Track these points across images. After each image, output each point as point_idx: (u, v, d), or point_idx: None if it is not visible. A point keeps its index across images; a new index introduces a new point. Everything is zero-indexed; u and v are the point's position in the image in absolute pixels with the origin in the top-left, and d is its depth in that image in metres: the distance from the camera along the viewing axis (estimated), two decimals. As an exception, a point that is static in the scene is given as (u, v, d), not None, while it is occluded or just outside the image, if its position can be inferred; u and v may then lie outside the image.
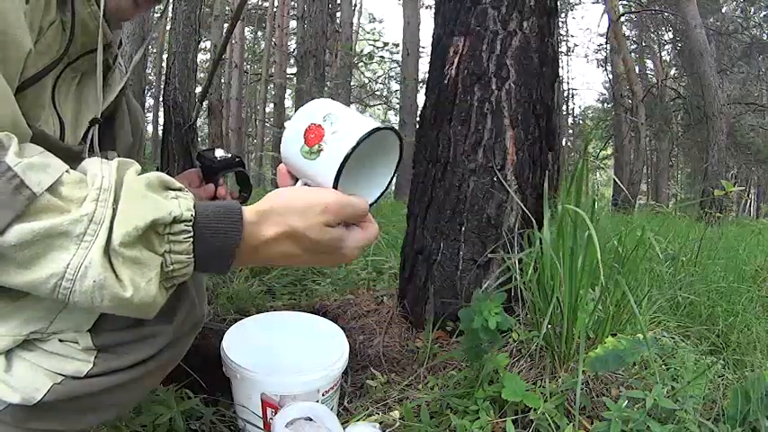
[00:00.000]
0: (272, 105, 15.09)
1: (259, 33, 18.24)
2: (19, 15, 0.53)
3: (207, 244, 0.52)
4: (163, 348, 0.59)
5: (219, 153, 0.96)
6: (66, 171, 0.49)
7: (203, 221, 0.51)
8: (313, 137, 0.58)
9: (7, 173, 0.46)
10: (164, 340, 0.58)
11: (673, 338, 1.28)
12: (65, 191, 0.48)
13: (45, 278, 0.46)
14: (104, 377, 0.57)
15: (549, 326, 1.10)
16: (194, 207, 0.52)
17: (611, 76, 14.49)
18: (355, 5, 16.59)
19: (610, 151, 15.53)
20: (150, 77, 13.58)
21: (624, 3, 12.83)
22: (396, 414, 1.01)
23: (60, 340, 0.57)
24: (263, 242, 0.54)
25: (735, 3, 13.00)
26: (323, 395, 0.93)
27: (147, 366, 0.59)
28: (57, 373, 0.56)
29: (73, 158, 0.55)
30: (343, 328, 1.08)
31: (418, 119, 1.54)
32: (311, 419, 0.85)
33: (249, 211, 0.54)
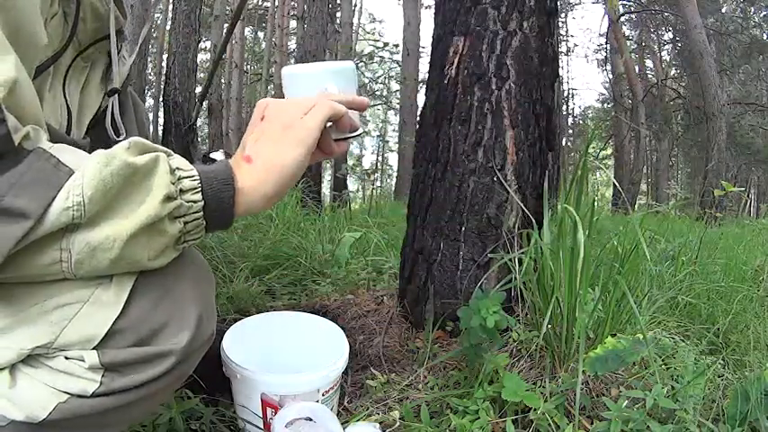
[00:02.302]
0: (272, 105, 15.03)
1: (259, 33, 18.24)
2: (34, 10, 0.53)
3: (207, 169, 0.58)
4: (172, 368, 0.57)
5: (218, 156, 0.96)
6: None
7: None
8: None
9: (44, 154, 0.49)
10: (173, 360, 0.57)
11: (673, 338, 1.28)
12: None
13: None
14: (111, 397, 0.56)
15: (549, 326, 1.10)
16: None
17: (611, 77, 14.49)
18: (355, 5, 16.58)
19: (610, 151, 15.53)
20: (150, 77, 13.58)
21: (624, 3, 12.83)
22: (396, 414, 1.01)
23: (66, 357, 0.55)
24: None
25: (735, 3, 12.99)
26: (323, 395, 0.93)
27: (155, 386, 0.57)
28: (62, 391, 0.55)
29: None
30: (343, 328, 1.08)
31: (418, 119, 1.54)
32: (311, 419, 0.85)
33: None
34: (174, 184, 0.54)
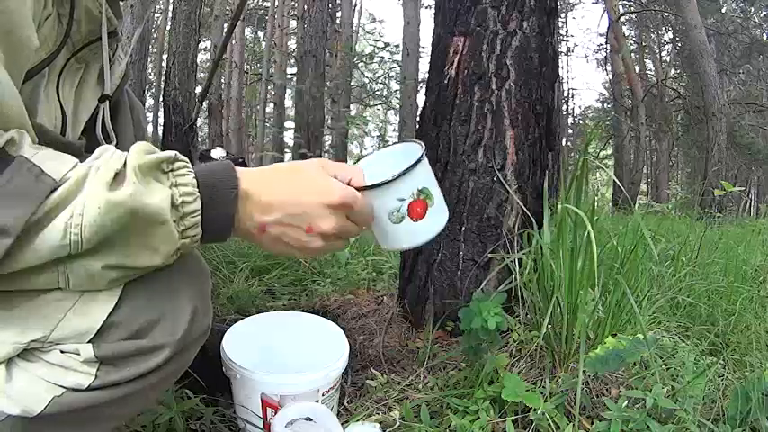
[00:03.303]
0: (272, 105, 15.11)
1: (259, 33, 18.25)
2: (26, 13, 0.53)
3: (207, 178, 0.57)
4: (166, 361, 0.57)
5: (217, 153, 0.96)
6: (77, 164, 0.51)
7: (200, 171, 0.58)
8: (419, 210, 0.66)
9: (26, 163, 0.48)
10: (167, 353, 0.57)
11: (673, 338, 1.28)
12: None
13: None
14: (106, 390, 0.56)
15: (549, 326, 1.10)
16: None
17: (611, 76, 14.49)
18: (355, 5, 16.59)
19: (610, 151, 15.53)
20: (150, 77, 13.58)
21: (624, 3, 12.84)
22: (396, 414, 1.01)
23: (62, 351, 0.55)
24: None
25: (735, 3, 13.00)
26: (323, 395, 0.93)
27: (150, 379, 0.58)
28: (58, 385, 0.55)
29: (75, 154, 0.55)
30: (343, 328, 1.08)
31: (418, 119, 1.54)
32: (311, 419, 0.85)
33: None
34: (176, 222, 0.54)
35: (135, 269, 0.55)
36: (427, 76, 1.52)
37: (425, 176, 0.67)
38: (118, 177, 0.51)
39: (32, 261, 0.49)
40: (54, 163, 0.50)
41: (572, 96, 19.57)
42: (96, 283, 0.54)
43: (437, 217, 0.68)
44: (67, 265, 0.51)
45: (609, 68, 14.64)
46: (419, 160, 0.65)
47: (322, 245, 0.63)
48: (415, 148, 0.69)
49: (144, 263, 0.54)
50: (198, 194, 0.55)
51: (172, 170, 0.55)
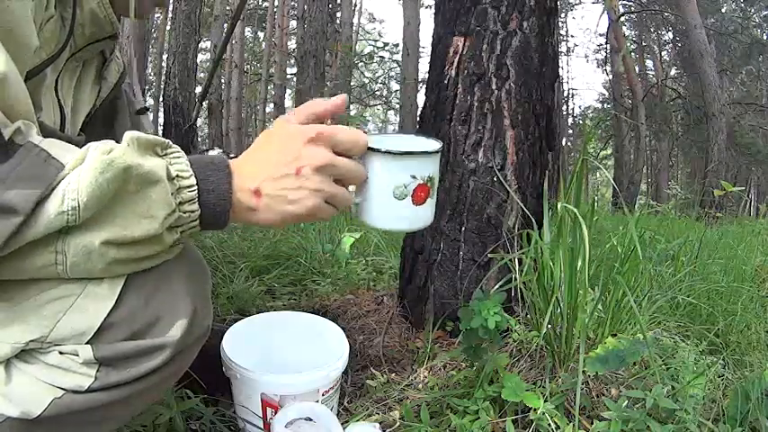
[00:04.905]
0: (272, 105, 15.12)
1: (259, 33, 18.25)
2: (26, 13, 0.53)
3: (199, 162, 0.58)
4: (166, 362, 0.57)
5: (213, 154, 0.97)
6: (79, 151, 0.52)
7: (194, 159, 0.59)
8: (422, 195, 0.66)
9: (34, 149, 0.50)
10: (167, 354, 0.57)
11: (673, 338, 1.28)
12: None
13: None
14: (106, 392, 0.56)
15: (549, 326, 1.10)
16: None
17: (611, 77, 14.49)
18: (355, 5, 16.59)
19: (610, 151, 15.52)
20: (150, 77, 13.58)
21: (624, 3, 12.84)
22: (396, 414, 1.01)
23: (61, 352, 0.55)
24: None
25: (735, 3, 13.00)
26: (323, 395, 0.93)
27: (150, 380, 0.57)
28: (57, 386, 0.55)
29: None
30: (343, 328, 1.08)
31: (418, 119, 1.54)
32: (311, 419, 0.85)
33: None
34: (173, 195, 0.54)
35: (134, 244, 0.53)
36: (427, 76, 1.52)
37: (437, 167, 0.67)
38: (113, 152, 0.52)
39: (32, 236, 0.49)
40: (60, 150, 0.51)
41: (572, 96, 19.57)
42: (95, 264, 0.53)
43: (430, 210, 0.69)
44: (65, 241, 0.51)
45: (609, 68, 14.64)
46: (439, 150, 0.66)
47: (319, 181, 0.59)
48: (432, 140, 0.70)
49: (142, 231, 0.53)
50: (192, 172, 0.56)
51: (165, 154, 0.56)
